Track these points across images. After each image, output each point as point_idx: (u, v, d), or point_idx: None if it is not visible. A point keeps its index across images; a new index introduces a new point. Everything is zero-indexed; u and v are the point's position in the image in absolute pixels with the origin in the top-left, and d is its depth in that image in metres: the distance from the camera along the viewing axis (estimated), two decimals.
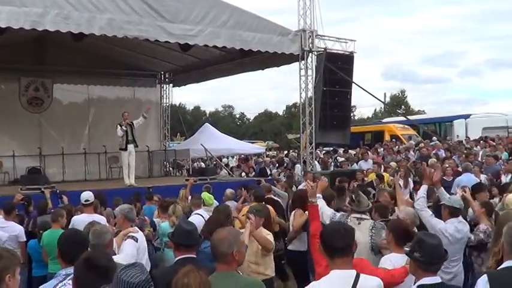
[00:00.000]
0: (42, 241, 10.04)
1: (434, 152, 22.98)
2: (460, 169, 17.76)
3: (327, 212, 8.25)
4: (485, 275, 5.05)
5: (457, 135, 30.44)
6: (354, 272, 4.73)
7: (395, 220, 7.44)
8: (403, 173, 16.89)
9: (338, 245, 4.74)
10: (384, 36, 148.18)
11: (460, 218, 8.45)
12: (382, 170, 18.71)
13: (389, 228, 7.06)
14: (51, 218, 10.40)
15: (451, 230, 8.07)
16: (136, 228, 8.52)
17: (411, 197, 13.52)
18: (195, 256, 5.82)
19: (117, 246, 7.71)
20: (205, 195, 12.35)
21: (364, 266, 6.15)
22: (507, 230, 5.18)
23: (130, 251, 7.80)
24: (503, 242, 5.17)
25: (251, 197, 12.27)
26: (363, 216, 8.13)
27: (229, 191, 14.13)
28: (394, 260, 6.31)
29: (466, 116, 36.84)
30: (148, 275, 3.74)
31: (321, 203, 8.07)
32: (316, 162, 22.64)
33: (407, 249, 5.33)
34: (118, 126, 18.50)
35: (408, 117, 42.47)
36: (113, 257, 7.14)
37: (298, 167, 22.56)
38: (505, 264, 5.03)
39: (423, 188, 8.84)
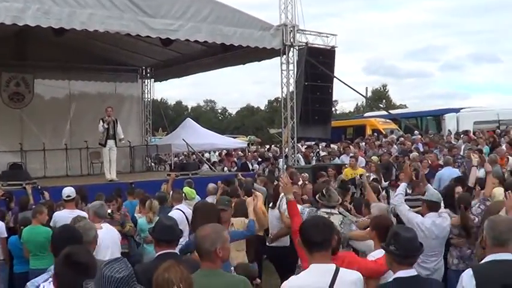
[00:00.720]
0: (22, 237, 10.03)
1: (414, 146, 23.17)
2: (441, 163, 17.91)
3: None
4: (469, 269, 5.10)
5: (449, 130, 30.53)
6: (333, 266, 4.76)
7: (377, 217, 7.48)
8: (374, 168, 17.08)
9: (316, 240, 4.76)
10: (366, 31, 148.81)
11: (441, 212, 8.53)
12: (359, 164, 18.81)
13: (371, 226, 7.11)
14: (32, 214, 10.39)
15: (428, 224, 8.12)
16: (104, 225, 8.40)
17: (387, 192, 13.66)
18: (175, 251, 5.84)
19: None
20: (187, 189, 12.40)
21: (352, 259, 6.23)
22: (488, 223, 5.23)
23: None
24: (485, 236, 5.21)
25: (242, 192, 12.24)
26: (332, 211, 8.20)
27: (211, 185, 14.13)
28: (378, 257, 6.35)
29: (452, 110, 36.96)
30: (132, 270, 3.73)
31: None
32: (300, 156, 22.72)
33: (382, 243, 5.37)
34: (100, 121, 18.49)
35: (391, 111, 42.67)
36: None
37: (281, 162, 22.64)
38: (488, 258, 5.07)
39: (402, 186, 9.00)
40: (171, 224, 5.88)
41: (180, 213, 10.37)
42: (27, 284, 4.95)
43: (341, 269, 4.79)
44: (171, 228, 5.82)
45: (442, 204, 8.70)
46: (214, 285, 4.85)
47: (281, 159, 22.98)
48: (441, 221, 8.34)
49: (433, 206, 8.44)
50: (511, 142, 20.60)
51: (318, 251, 4.76)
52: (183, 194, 11.91)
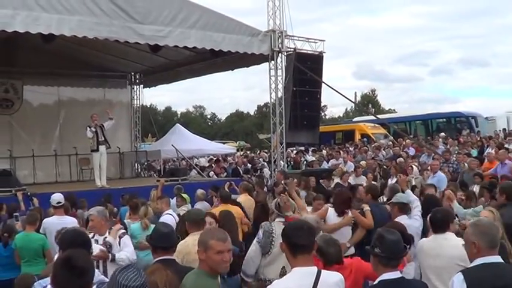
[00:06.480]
0: (15, 244, 10.00)
1: (405, 150, 23.30)
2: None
3: None
4: (460, 273, 5.08)
5: (500, 130, 30.84)
6: (315, 269, 4.81)
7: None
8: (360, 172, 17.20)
9: (303, 242, 4.78)
10: (356, 36, 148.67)
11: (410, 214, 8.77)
12: (348, 169, 18.98)
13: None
14: (26, 220, 10.38)
15: None
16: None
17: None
18: (172, 257, 5.84)
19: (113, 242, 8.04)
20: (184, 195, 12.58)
21: (359, 264, 6.26)
22: (478, 229, 5.17)
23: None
24: (477, 241, 5.09)
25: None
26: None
27: (200, 191, 14.16)
28: None
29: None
30: (145, 278, 3.77)
31: None
32: (281, 162, 22.82)
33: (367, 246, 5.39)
34: (88, 128, 18.51)
35: (379, 116, 42.91)
36: (122, 252, 7.74)
37: (266, 171, 22.89)
38: (477, 261, 5.06)
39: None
40: (168, 231, 5.95)
41: (172, 217, 10.47)
42: (35, 284, 4.99)
43: (323, 271, 4.83)
44: (168, 235, 5.87)
45: None
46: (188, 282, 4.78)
47: (265, 169, 23.22)
48: (412, 222, 8.54)
49: (403, 208, 8.70)
50: (500, 146, 20.74)
51: (302, 254, 4.78)
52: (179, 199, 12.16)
